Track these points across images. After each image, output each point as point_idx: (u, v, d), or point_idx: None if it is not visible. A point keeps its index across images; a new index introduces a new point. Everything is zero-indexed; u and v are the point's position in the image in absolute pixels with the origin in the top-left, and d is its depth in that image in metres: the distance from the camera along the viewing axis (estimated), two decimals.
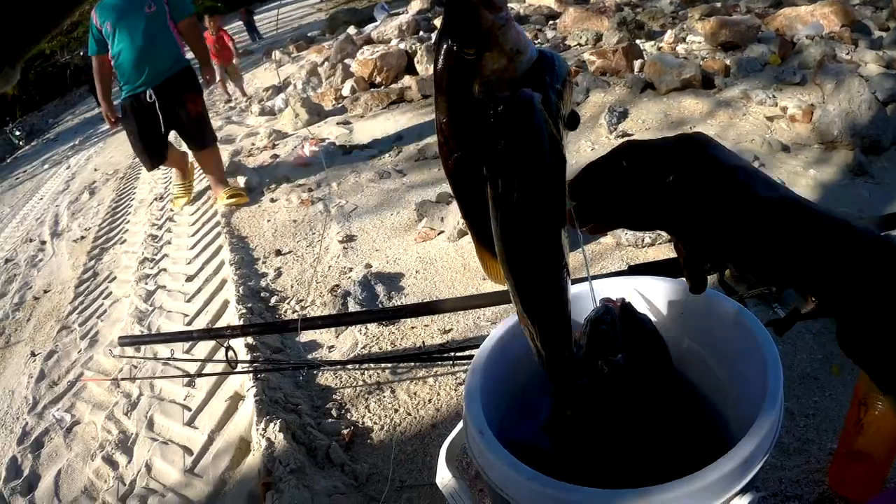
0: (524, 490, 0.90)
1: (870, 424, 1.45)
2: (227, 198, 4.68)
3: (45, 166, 10.66)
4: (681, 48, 5.50)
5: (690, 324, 1.29)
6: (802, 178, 3.29)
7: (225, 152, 5.80)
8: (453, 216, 3.38)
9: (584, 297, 1.26)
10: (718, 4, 6.67)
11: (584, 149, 4.14)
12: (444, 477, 1.20)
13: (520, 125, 0.64)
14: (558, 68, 0.68)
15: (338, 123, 5.81)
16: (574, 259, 2.93)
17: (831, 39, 4.91)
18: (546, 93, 0.66)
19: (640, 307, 1.32)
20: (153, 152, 4.77)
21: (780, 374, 1.04)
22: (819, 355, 2.13)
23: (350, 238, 3.68)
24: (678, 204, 0.64)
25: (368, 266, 3.33)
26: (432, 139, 4.87)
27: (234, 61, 9.23)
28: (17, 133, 10.51)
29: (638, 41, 5.77)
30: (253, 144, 5.93)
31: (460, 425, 1.28)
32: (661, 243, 2.94)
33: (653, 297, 1.33)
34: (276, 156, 5.43)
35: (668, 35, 5.84)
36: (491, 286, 2.93)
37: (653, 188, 0.66)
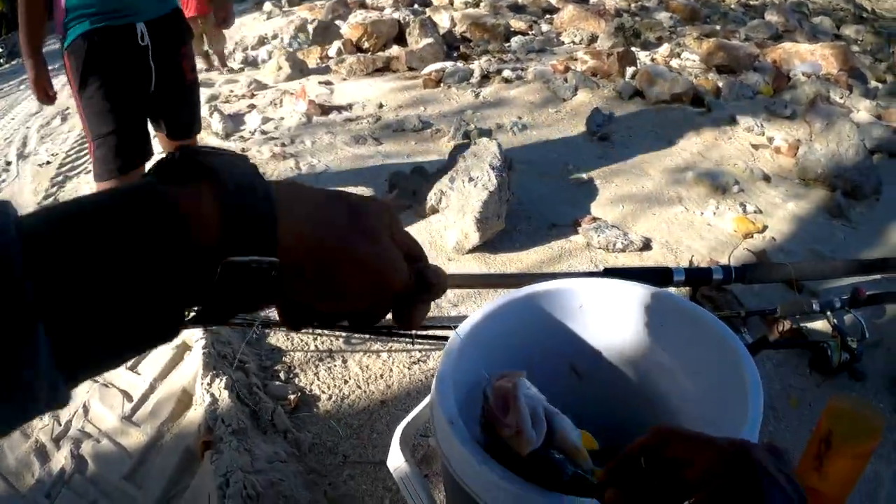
0: (492, 489, 0.85)
1: (829, 463, 1.43)
2: None
3: (22, 87, 10.33)
4: (674, 63, 5.49)
5: (669, 336, 1.26)
6: (780, 210, 3.29)
7: (202, 95, 5.63)
8: (426, 191, 3.32)
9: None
10: (718, 27, 6.68)
11: (564, 142, 4.10)
12: (396, 460, 1.15)
13: None
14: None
15: (319, 82, 5.70)
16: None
17: (827, 81, 4.94)
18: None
19: (620, 312, 1.29)
20: (134, 139, 2.66)
21: (761, 403, 1.01)
22: (777, 385, 2.13)
23: None
24: None
25: None
26: (412, 111, 4.82)
27: (210, 15, 6.29)
28: (0, 50, 10.07)
29: (632, 49, 5.75)
30: (231, 92, 5.80)
31: (418, 408, 1.23)
32: (631, 251, 2.92)
33: (631, 302, 1.29)
34: (252, 105, 5.32)
35: (664, 48, 5.84)
36: (457, 269, 2.89)
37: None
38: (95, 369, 0.43)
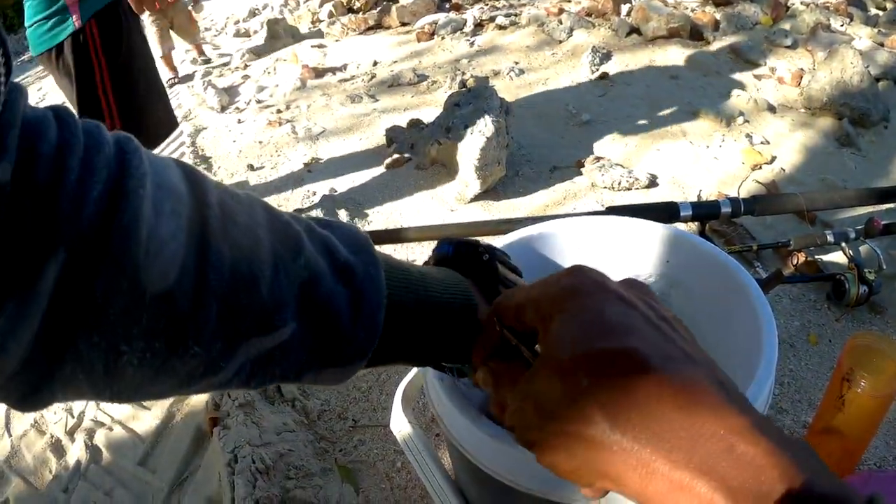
0: (486, 448, 0.80)
1: (851, 402, 1.37)
2: None
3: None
4: None
5: (677, 274, 1.20)
6: (788, 140, 3.21)
7: (198, 71, 5.64)
8: (424, 143, 3.26)
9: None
10: None
11: (562, 84, 4.02)
12: (398, 422, 1.10)
13: None
14: None
15: (312, 46, 5.61)
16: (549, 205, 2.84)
17: (826, 9, 4.81)
18: None
19: (621, 251, 1.23)
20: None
21: (775, 339, 0.96)
22: (796, 322, 2.06)
23: (316, 160, 3.55)
24: None
25: (333, 190, 3.20)
26: (408, 65, 4.73)
27: (179, 2, 5.90)
28: None
29: None
30: (225, 65, 5.73)
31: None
32: (637, 189, 2.86)
33: (635, 240, 1.22)
34: (247, 76, 5.24)
35: None
36: (458, 217, 2.84)
37: None
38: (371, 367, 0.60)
